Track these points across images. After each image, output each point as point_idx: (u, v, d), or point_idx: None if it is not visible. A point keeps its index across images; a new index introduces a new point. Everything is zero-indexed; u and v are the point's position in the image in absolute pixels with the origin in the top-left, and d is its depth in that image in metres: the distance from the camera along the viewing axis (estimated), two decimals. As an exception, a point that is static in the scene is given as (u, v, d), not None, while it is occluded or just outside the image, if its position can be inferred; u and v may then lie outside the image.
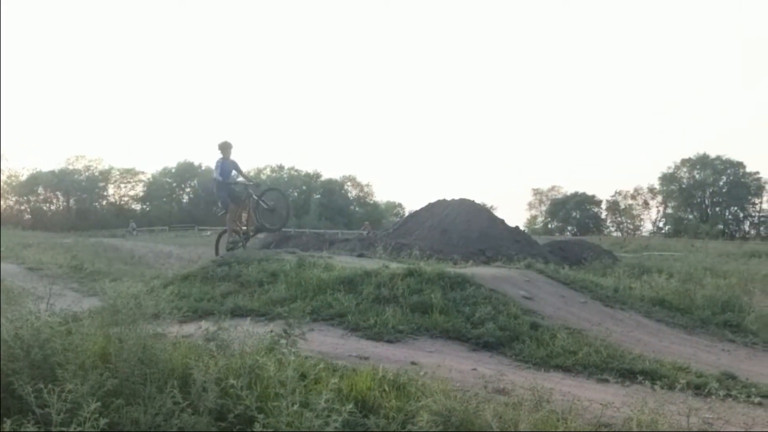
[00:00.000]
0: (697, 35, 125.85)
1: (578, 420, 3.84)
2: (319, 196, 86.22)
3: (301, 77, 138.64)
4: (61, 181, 74.88)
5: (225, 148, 12.17)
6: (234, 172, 12.26)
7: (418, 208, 27.68)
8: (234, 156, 12.82)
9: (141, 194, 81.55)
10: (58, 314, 4.90)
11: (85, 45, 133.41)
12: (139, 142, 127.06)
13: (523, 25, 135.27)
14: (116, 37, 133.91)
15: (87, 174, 78.37)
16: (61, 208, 76.37)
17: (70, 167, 77.58)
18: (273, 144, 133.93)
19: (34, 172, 75.51)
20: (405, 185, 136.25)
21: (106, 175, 79.64)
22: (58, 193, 76.56)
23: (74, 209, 74.79)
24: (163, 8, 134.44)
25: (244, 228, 12.49)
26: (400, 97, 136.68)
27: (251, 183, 12.47)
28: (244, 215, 12.43)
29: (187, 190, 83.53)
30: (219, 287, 10.02)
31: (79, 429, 3.15)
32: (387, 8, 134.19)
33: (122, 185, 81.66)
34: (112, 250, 28.26)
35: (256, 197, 12.05)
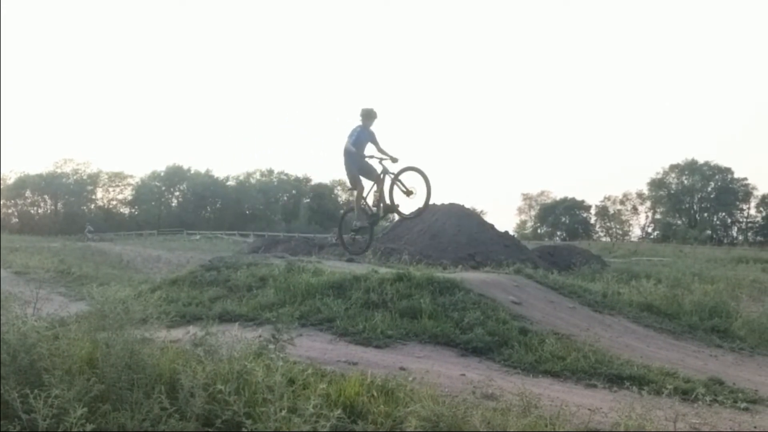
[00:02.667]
0: (687, 42, 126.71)
1: (566, 425, 3.85)
2: (308, 200, 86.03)
3: (291, 81, 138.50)
4: (49, 184, 74.45)
5: (368, 115, 10.43)
6: (369, 145, 10.57)
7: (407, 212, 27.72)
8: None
9: (129, 198, 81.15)
10: (44, 319, 4.87)
11: (75, 48, 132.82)
12: (127, 145, 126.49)
13: (515, 30, 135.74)
14: (106, 40, 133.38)
15: (75, 177, 77.94)
16: (49, 211, 75.89)
17: (58, 170, 77.16)
18: (263, 148, 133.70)
19: (22, 175, 75.08)
20: (395, 190, 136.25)
21: (94, 179, 79.23)
22: (45, 196, 76.08)
23: (62, 213, 74.32)
24: (153, 11, 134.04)
25: (374, 209, 10.78)
26: (390, 101, 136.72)
27: (388, 158, 10.48)
28: (376, 195, 10.68)
29: (176, 194, 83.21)
30: (207, 292, 9.99)
31: (65, 435, 3.14)
32: (378, 14, 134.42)
33: (111, 189, 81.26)
34: (99, 254, 28.14)
35: (392, 175, 10.40)
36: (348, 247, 10.79)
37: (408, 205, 10.07)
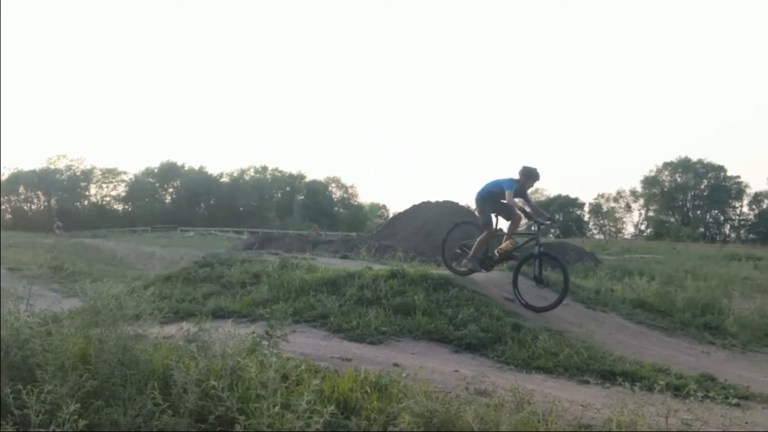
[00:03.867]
0: (679, 39, 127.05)
1: (559, 421, 3.87)
2: (303, 197, 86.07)
3: (286, 78, 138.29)
4: (42, 180, 74.23)
5: (531, 176, 9.97)
6: (519, 200, 10.01)
7: (402, 210, 27.74)
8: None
9: (123, 194, 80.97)
10: (37, 315, 4.86)
11: (70, 43, 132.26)
12: (121, 141, 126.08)
13: (507, 29, 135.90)
14: (99, 36, 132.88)
15: (68, 174, 77.73)
16: (42, 207, 75.65)
17: (52, 167, 76.93)
18: (257, 144, 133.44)
19: (15, 171, 74.88)
20: (389, 187, 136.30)
21: (87, 175, 79.01)
22: (39, 192, 75.87)
23: (55, 209, 74.08)
24: (146, 7, 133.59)
25: (496, 257, 10.22)
26: (386, 99, 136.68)
27: (546, 219, 9.93)
28: (507, 243, 10.09)
29: (170, 190, 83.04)
30: (201, 288, 9.98)
31: (58, 430, 3.13)
32: (372, 11, 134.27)
33: (104, 185, 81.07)
34: (93, 250, 28.06)
35: (541, 248, 9.63)
36: (449, 263, 10.56)
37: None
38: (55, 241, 32.50)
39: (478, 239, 10.03)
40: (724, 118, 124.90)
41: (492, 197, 9.98)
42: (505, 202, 9.70)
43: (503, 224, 10.16)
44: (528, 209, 9.78)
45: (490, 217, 9.99)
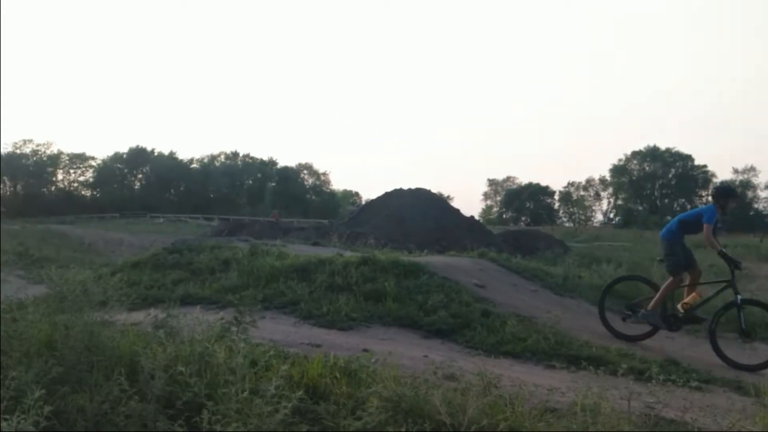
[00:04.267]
0: (649, 28, 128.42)
1: (525, 404, 3.92)
2: (274, 184, 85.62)
3: (258, 61, 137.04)
4: (8, 165, 72.78)
5: (730, 195, 8.47)
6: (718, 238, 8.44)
7: (374, 197, 27.78)
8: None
9: (91, 180, 79.75)
10: (2, 301, 4.79)
11: (37, 24, 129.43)
12: (89, 126, 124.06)
13: (483, 17, 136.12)
14: (68, 17, 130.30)
15: (35, 159, 76.35)
16: (8, 193, 74.28)
17: (18, 151, 75.45)
18: (227, 130, 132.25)
19: (-21, 156, 73.31)
20: (362, 174, 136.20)
21: (54, 160, 77.68)
22: (5, 177, 74.42)
23: (21, 195, 72.83)
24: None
25: (681, 313, 8.43)
26: (359, 85, 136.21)
27: (733, 262, 8.19)
28: (694, 296, 8.47)
29: (139, 176, 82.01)
30: (170, 275, 9.92)
31: (22, 416, 3.10)
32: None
33: (72, 170, 79.81)
34: (60, 236, 27.63)
35: (741, 297, 8.08)
36: (612, 327, 8.71)
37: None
38: (21, 227, 31.89)
39: (663, 287, 8.57)
40: (692, 107, 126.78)
41: (683, 231, 8.61)
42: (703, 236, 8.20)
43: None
44: (720, 247, 8.17)
45: (682, 261, 8.52)
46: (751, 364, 7.52)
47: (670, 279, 8.50)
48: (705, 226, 8.11)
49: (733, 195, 8.57)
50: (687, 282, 8.59)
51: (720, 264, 8.74)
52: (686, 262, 8.50)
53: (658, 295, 8.53)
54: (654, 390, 4.26)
